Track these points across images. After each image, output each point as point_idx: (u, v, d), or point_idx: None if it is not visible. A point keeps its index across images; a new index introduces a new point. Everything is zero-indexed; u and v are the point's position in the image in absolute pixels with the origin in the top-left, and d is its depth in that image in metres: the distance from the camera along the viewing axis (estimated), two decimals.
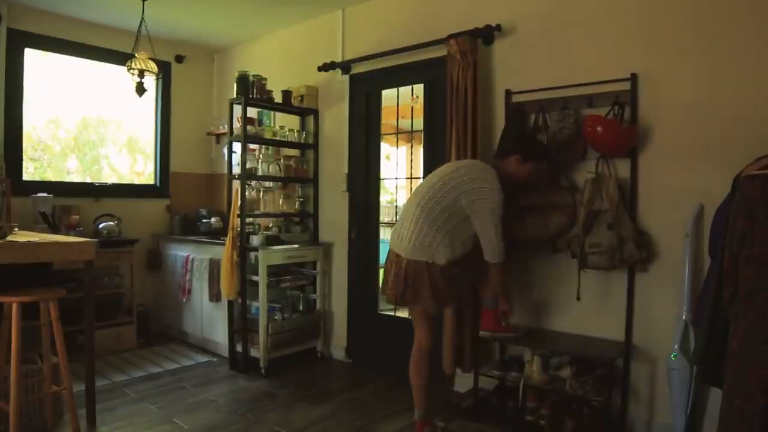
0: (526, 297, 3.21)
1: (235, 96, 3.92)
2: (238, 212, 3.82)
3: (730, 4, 2.53)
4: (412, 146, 4.30)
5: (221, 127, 5.06)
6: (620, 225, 2.70)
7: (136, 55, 3.92)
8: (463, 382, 3.41)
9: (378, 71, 3.93)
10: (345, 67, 4.12)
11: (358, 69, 4.08)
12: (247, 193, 3.93)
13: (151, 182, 5.19)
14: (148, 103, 5.05)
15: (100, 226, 4.44)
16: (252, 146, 4.18)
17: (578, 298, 2.90)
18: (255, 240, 3.91)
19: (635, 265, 2.77)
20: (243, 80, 3.89)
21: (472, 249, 2.69)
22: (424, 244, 2.61)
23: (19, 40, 4.20)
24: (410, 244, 2.63)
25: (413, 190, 2.83)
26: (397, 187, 4.72)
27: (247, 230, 3.94)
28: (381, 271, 4.08)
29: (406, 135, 4.25)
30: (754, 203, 1.95)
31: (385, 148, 4.28)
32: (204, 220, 4.78)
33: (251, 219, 4.20)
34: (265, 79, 4.05)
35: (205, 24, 4.66)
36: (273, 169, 4.16)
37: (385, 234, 4.64)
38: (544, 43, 3.13)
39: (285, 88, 4.25)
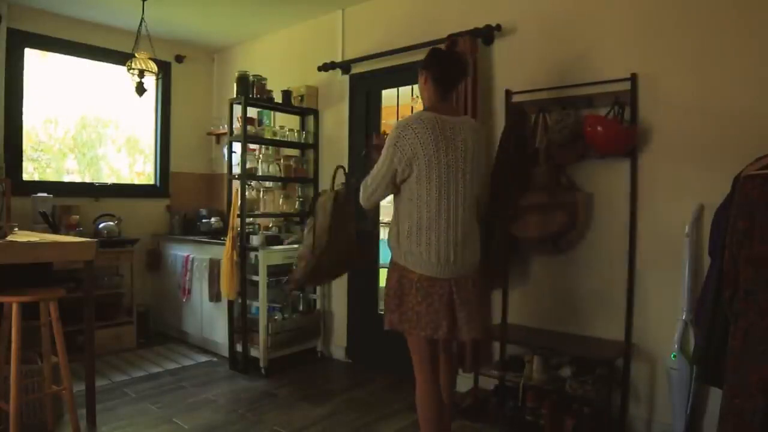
0: (526, 297, 3.21)
1: (235, 96, 3.92)
2: (238, 212, 3.82)
3: (731, 5, 2.53)
4: None
5: (221, 127, 5.06)
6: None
7: (136, 55, 3.92)
8: (463, 382, 3.41)
9: (378, 71, 3.93)
10: (345, 67, 4.12)
11: (358, 69, 4.08)
12: (247, 193, 3.93)
13: (151, 182, 5.19)
14: (148, 103, 5.05)
15: (100, 226, 4.44)
16: (252, 146, 4.18)
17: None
18: (255, 240, 3.91)
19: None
20: (243, 80, 3.89)
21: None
22: (476, 249, 2.23)
23: (19, 40, 4.20)
24: (465, 258, 2.18)
25: (436, 187, 2.12)
26: None
27: (247, 230, 3.94)
28: (384, 278, 4.10)
29: None
30: (754, 203, 1.96)
31: None
32: (204, 220, 4.78)
33: (251, 219, 4.20)
34: (265, 79, 4.06)
35: (205, 24, 4.66)
36: (273, 169, 4.16)
37: (385, 234, 4.63)
38: (544, 43, 3.13)
39: (285, 88, 4.25)
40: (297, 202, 4.36)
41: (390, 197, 2.32)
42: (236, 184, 3.92)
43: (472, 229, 2.22)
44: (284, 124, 4.37)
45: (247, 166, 3.93)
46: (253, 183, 4.16)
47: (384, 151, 2.18)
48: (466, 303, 2.16)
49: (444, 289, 2.14)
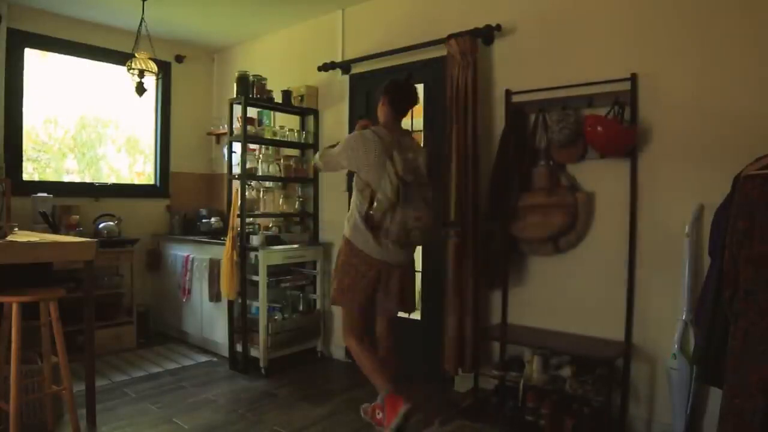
0: (526, 297, 3.21)
1: (235, 96, 3.92)
2: (238, 212, 3.82)
3: (732, 5, 2.54)
4: None
5: (221, 127, 5.06)
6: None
7: (136, 55, 3.92)
8: (463, 382, 3.41)
9: (378, 71, 3.93)
10: (345, 67, 4.12)
11: (358, 69, 4.08)
12: (247, 193, 3.93)
13: (151, 182, 5.19)
14: (148, 103, 5.05)
15: (100, 226, 4.44)
16: (252, 146, 4.18)
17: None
18: (255, 240, 3.91)
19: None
20: (243, 80, 3.89)
21: None
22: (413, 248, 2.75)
23: (19, 40, 4.20)
24: (406, 251, 2.68)
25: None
26: None
27: (247, 230, 3.94)
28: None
29: None
30: (754, 203, 1.96)
31: None
32: (204, 220, 4.78)
33: (251, 219, 4.20)
34: (265, 79, 4.06)
35: (205, 24, 4.66)
36: (273, 169, 4.16)
37: None
38: (544, 43, 3.14)
39: (285, 88, 4.25)
40: (297, 202, 4.36)
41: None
42: (236, 184, 3.92)
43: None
44: (284, 124, 4.37)
45: (247, 166, 3.93)
46: (253, 183, 4.16)
47: (344, 143, 2.65)
48: (387, 287, 2.62)
49: (374, 271, 2.57)
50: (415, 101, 2.76)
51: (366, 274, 2.57)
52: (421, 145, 2.99)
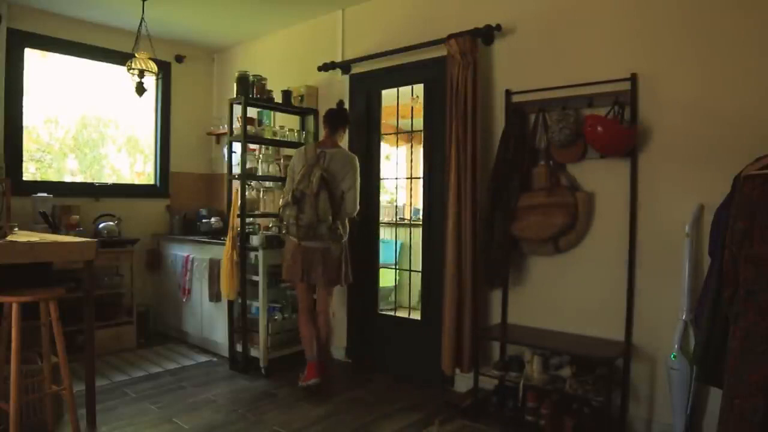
0: (526, 297, 3.21)
1: (235, 96, 3.92)
2: (238, 212, 3.82)
3: (732, 5, 2.54)
4: (412, 146, 4.30)
5: (221, 127, 5.06)
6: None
7: (136, 55, 3.92)
8: (463, 382, 3.41)
9: (378, 71, 3.93)
10: (345, 67, 4.12)
11: (358, 69, 4.08)
12: (247, 193, 3.93)
13: (151, 182, 5.19)
14: (148, 103, 5.05)
15: (100, 226, 4.44)
16: (252, 146, 4.18)
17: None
18: (255, 240, 3.91)
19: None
20: (243, 80, 3.89)
21: None
22: (325, 233, 3.41)
23: (19, 40, 4.20)
24: (318, 236, 3.36)
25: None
26: (397, 187, 4.73)
27: (247, 230, 3.94)
28: (381, 271, 4.13)
29: (406, 135, 4.25)
30: (754, 203, 1.96)
31: (385, 148, 4.28)
32: (204, 220, 4.78)
33: (251, 219, 4.20)
34: (265, 79, 4.05)
35: (205, 24, 4.66)
36: (273, 169, 4.16)
37: (385, 234, 4.64)
38: (544, 43, 3.14)
39: (285, 88, 4.25)
40: None
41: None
42: (236, 184, 3.92)
43: (325, 218, 3.28)
44: (284, 124, 4.37)
45: (247, 166, 3.93)
46: (253, 183, 4.16)
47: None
48: (316, 264, 3.36)
49: (300, 253, 3.35)
50: (341, 120, 3.57)
51: (296, 254, 3.36)
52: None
